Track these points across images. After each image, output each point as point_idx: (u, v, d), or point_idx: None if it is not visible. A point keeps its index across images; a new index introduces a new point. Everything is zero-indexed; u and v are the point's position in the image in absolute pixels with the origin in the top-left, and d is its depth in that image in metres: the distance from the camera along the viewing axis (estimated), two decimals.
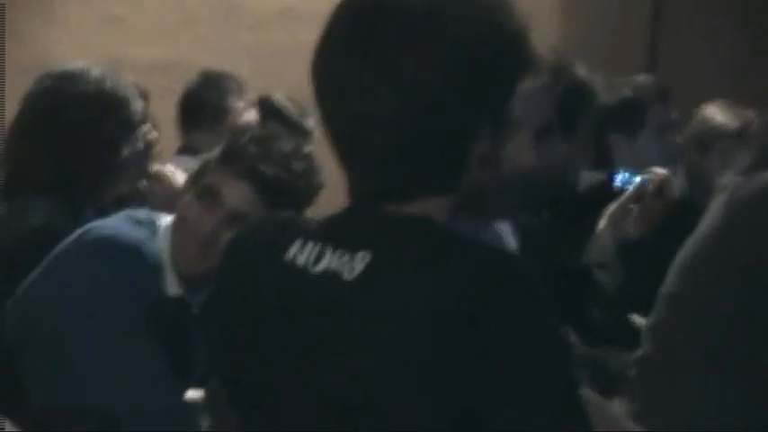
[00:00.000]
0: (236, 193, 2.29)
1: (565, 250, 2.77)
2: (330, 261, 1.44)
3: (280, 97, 4.39)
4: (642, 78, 3.81)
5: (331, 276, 1.43)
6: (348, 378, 1.40)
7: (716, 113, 3.69)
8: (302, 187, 2.31)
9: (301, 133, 4.13)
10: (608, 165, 3.43)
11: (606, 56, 5.59)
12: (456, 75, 1.40)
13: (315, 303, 1.44)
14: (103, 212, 2.64)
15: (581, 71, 2.76)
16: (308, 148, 2.37)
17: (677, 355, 2.25)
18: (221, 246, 1.79)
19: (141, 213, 2.43)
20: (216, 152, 2.37)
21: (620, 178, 3.09)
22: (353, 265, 1.42)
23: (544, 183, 2.13)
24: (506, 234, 2.30)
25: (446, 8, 1.42)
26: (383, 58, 1.41)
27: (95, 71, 2.70)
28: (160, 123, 3.39)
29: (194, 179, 2.39)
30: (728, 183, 2.31)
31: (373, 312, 1.39)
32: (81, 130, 2.64)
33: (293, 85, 4.61)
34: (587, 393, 2.07)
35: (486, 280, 1.37)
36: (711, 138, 3.61)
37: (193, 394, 2.43)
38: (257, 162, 2.27)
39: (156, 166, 2.99)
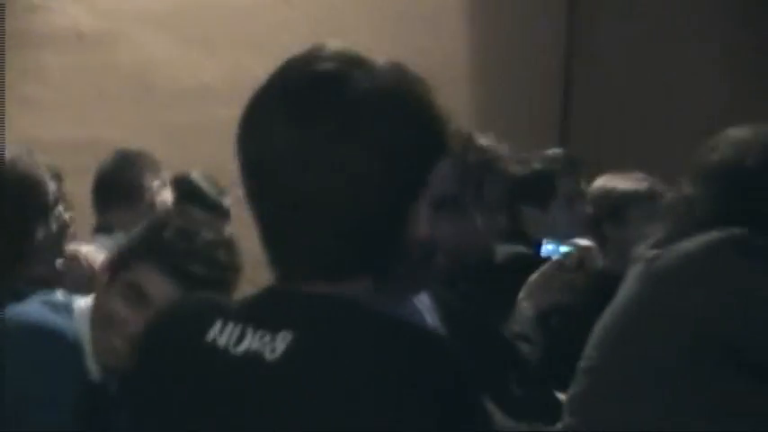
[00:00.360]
0: (163, 291, 2.25)
1: (485, 322, 2.77)
2: (251, 342, 1.43)
3: (196, 175, 4.37)
4: (552, 150, 3.87)
5: (252, 357, 1.42)
6: None
7: (620, 182, 3.74)
8: (227, 278, 2.29)
9: (219, 213, 4.12)
10: (521, 236, 3.47)
11: (519, 121, 5.69)
12: (388, 157, 1.42)
13: (236, 385, 1.42)
14: (19, 295, 2.61)
15: (487, 141, 2.79)
16: (228, 232, 2.35)
17: (598, 426, 2.26)
18: None
19: (56, 297, 2.40)
20: (135, 243, 2.33)
21: (546, 249, 3.13)
22: (275, 345, 1.41)
23: (455, 255, 2.12)
24: (425, 308, 2.29)
25: (379, 93, 1.43)
26: (320, 136, 1.41)
27: (8, 153, 2.69)
28: (76, 203, 3.37)
29: (114, 271, 2.35)
30: (642, 254, 2.34)
31: (295, 394, 1.37)
32: None
33: (209, 162, 4.62)
34: None
35: (413, 360, 1.36)
36: (625, 207, 3.66)
37: None
38: (182, 259, 2.25)
39: (71, 247, 2.97)
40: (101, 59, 5.37)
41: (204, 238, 2.27)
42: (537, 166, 3.63)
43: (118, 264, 2.35)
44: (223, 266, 2.26)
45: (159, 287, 2.26)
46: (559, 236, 3.26)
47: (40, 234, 2.65)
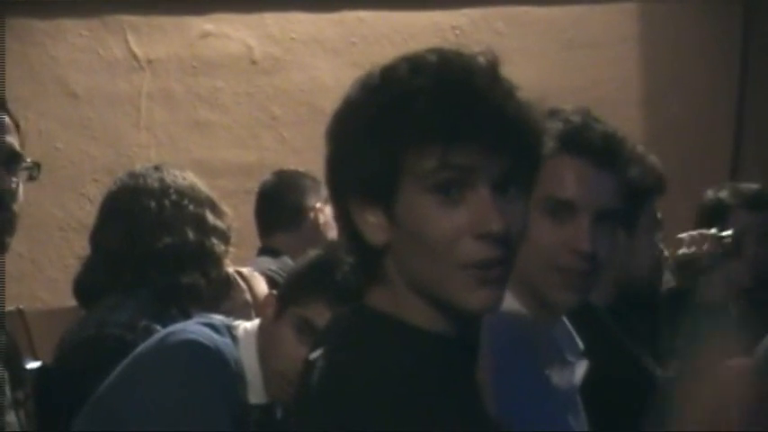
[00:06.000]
0: None
1: (633, 358, 2.65)
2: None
3: None
4: (747, 185, 3.67)
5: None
6: None
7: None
8: None
9: None
10: None
11: (691, 146, 5.57)
12: None
13: None
14: (186, 314, 2.65)
15: (654, 161, 2.71)
16: None
17: None
18: None
19: (216, 319, 2.43)
20: (306, 280, 2.34)
21: None
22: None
23: (603, 273, 2.04)
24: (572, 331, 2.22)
25: None
26: None
27: (160, 168, 2.79)
28: (246, 225, 3.41)
29: (283, 305, 2.36)
30: None
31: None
32: (145, 223, 2.71)
33: None
34: None
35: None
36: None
37: None
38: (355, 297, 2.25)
39: (236, 269, 3.00)
40: (272, 84, 5.46)
41: None
42: (715, 194, 3.49)
43: (288, 299, 2.37)
44: None
45: None
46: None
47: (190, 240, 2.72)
